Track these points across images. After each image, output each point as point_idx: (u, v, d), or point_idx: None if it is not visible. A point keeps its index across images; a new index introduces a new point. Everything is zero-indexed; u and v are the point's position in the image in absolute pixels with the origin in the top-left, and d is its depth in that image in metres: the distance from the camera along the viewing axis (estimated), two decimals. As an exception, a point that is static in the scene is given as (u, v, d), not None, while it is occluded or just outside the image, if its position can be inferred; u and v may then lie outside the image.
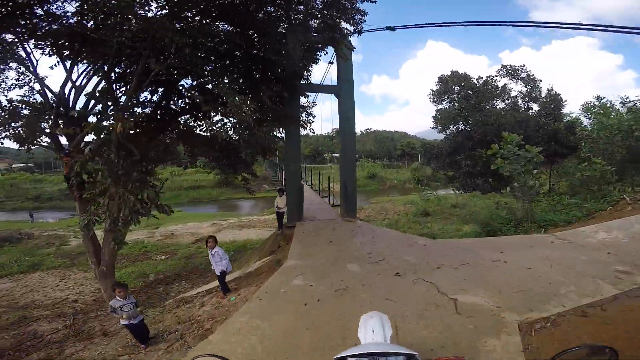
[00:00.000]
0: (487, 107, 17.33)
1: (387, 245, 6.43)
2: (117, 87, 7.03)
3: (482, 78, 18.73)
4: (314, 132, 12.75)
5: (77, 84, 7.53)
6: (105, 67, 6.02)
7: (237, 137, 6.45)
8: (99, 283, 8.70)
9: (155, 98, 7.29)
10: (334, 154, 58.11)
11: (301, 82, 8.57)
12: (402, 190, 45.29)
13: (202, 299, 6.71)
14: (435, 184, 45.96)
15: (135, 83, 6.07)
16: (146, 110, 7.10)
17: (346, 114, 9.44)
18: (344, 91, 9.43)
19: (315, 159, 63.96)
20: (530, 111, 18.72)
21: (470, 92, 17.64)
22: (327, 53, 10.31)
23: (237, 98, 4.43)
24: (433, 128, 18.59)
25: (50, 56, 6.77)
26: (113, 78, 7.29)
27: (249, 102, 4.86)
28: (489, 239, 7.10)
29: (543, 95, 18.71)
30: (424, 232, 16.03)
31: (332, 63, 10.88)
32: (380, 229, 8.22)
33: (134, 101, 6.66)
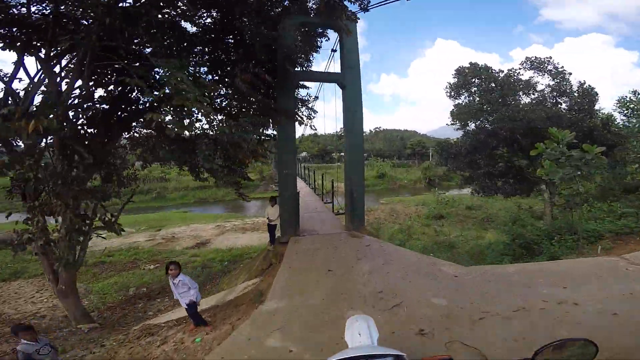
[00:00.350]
0: (513, 101, 15.49)
1: (404, 275, 4.83)
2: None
3: (502, 71, 16.98)
4: (315, 129, 11.33)
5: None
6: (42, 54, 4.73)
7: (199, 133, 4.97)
8: (60, 302, 7.59)
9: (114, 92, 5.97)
10: (342, 153, 56.60)
11: (297, 69, 7.13)
12: (412, 190, 43.50)
13: (167, 332, 5.57)
14: (447, 184, 44.11)
15: (76, 72, 4.77)
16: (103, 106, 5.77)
17: (352, 106, 7.89)
18: (348, 80, 7.88)
19: (324, 159, 62.60)
20: (559, 106, 16.83)
21: (493, 85, 15.80)
22: (328, 39, 8.90)
23: (179, 79, 3.03)
24: (452, 124, 16.79)
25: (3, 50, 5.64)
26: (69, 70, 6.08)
27: (207, 86, 3.46)
28: (540, 265, 5.39)
29: (574, 89, 16.76)
30: (441, 241, 14.44)
31: (335, 51, 9.40)
32: (393, 249, 6.50)
33: (84, 94, 5.33)
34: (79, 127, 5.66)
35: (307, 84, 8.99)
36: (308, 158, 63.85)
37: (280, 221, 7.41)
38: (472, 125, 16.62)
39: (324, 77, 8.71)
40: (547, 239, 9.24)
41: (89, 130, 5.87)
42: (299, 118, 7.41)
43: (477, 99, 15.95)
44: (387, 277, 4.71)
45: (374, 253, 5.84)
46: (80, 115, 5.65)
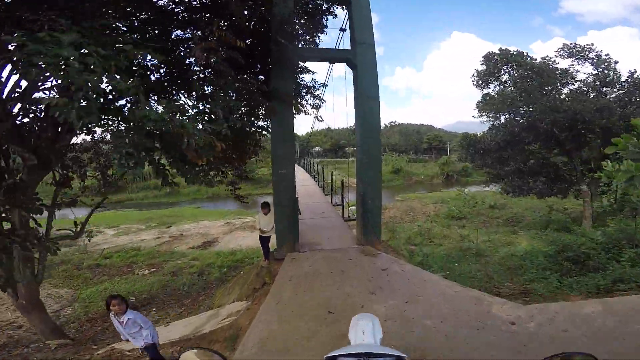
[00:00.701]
0: (554, 90, 13.53)
1: (436, 324, 3.34)
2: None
3: (536, 59, 15.02)
4: (322, 120, 10.00)
5: None
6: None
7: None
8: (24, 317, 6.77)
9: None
10: (355, 148, 54.95)
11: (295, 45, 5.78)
12: (429, 186, 41.54)
13: (129, 365, 4.47)
14: (465, 180, 41.85)
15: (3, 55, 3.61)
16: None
17: (365, 90, 6.42)
18: (360, 58, 6.40)
19: (337, 153, 61.18)
20: (603, 97, 14.75)
21: (530, 72, 13.85)
22: (335, 16, 7.48)
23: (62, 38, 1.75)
24: (479, 117, 14.98)
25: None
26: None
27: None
28: (623, 301, 3.62)
29: (623, 79, 14.59)
30: (466, 248, 12.78)
31: (344, 30, 7.95)
32: (418, 275, 4.86)
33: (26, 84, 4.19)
34: (21, 123, 4.52)
35: (313, 69, 7.65)
36: (321, 153, 62.53)
37: (275, 232, 6.11)
38: (502, 119, 14.77)
39: (330, 55, 7.17)
40: (604, 253, 7.62)
41: (34, 126, 4.73)
42: (301, 108, 6.06)
43: (510, 88, 14.05)
44: (412, 328, 3.20)
45: (393, 283, 4.36)
46: (28, 108, 4.51)
